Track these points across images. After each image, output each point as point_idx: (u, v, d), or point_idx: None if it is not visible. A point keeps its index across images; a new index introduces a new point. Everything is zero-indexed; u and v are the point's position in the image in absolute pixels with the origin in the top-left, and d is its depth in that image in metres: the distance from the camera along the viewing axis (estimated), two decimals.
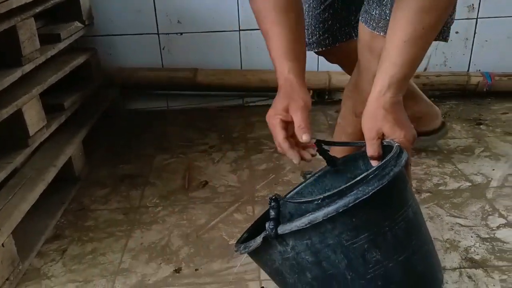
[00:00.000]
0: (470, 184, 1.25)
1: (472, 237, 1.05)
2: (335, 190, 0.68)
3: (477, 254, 1.00)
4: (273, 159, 1.43)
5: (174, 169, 1.40)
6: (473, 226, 1.08)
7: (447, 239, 1.05)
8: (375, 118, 0.78)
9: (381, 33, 0.93)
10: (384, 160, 0.71)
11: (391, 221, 0.69)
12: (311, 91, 1.79)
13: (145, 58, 1.78)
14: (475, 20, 1.76)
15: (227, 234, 1.10)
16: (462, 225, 1.09)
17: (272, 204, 0.70)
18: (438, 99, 1.82)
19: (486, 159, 1.38)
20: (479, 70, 1.80)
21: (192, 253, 1.04)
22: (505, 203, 1.16)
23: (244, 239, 0.79)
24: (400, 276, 0.71)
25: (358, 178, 0.68)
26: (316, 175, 0.92)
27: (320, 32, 1.15)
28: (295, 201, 0.80)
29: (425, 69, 1.83)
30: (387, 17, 0.89)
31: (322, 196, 0.68)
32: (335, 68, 1.79)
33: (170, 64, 1.80)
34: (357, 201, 0.65)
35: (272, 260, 0.73)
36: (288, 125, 0.84)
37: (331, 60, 1.29)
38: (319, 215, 0.66)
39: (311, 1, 1.14)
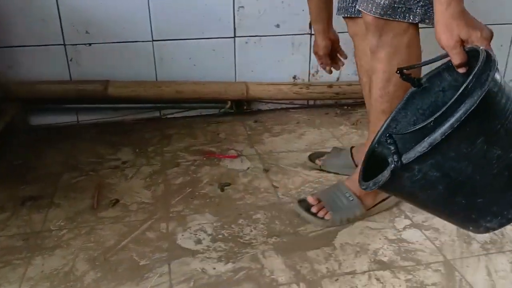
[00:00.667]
0: None
1: (380, 239, 1.09)
2: (444, 108, 0.71)
3: (385, 256, 1.03)
4: (189, 172, 1.40)
5: (83, 188, 1.31)
6: (381, 229, 1.13)
7: (357, 242, 1.08)
8: (449, 28, 0.80)
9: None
10: (478, 66, 0.73)
11: (500, 119, 0.74)
12: (230, 102, 1.79)
13: (51, 70, 1.67)
14: None
15: (137, 255, 1.04)
16: (371, 228, 1.13)
17: (389, 141, 0.74)
18: (351, 107, 1.89)
19: None
20: None
21: (98, 278, 0.97)
22: (410, 205, 1.22)
23: (363, 172, 0.84)
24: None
25: (460, 90, 0.71)
26: (404, 98, 0.91)
27: (349, 0, 1.21)
28: (409, 131, 0.77)
29: (338, 78, 1.89)
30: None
31: (433, 118, 0.71)
32: (253, 78, 1.82)
33: (80, 76, 1.70)
34: (468, 113, 0.69)
35: (402, 186, 0.78)
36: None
37: (352, 30, 1.28)
38: (437, 136, 0.70)
39: None
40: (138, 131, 1.70)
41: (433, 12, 0.91)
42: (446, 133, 0.70)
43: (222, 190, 1.30)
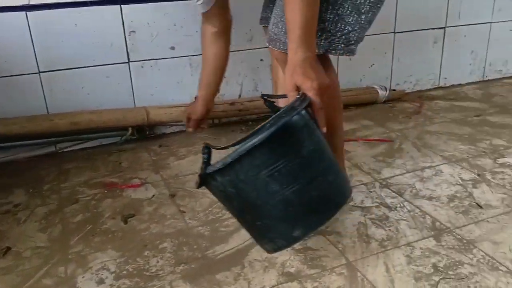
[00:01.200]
0: None
1: (287, 251, 1.10)
2: (244, 136, 0.83)
3: (292, 267, 1.05)
4: (90, 207, 1.32)
5: None
6: None
7: (265, 257, 1.08)
8: (290, 74, 0.94)
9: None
10: (283, 108, 0.87)
11: (285, 159, 0.84)
12: (130, 129, 1.73)
13: None
14: None
15: None
16: None
17: (205, 150, 0.87)
18: (255, 122, 1.93)
19: None
20: None
21: None
22: None
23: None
24: (297, 201, 0.88)
25: (261, 125, 0.83)
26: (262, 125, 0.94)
27: (267, 10, 1.32)
28: (218, 147, 0.90)
29: (240, 95, 1.92)
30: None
31: (232, 143, 0.84)
32: (153, 102, 1.79)
33: None
34: (253, 145, 0.80)
35: (214, 192, 0.93)
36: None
37: None
38: (227, 159, 0.82)
39: None
40: (32, 169, 1.58)
41: (338, 43, 1.02)
42: (235, 158, 0.82)
43: (126, 222, 1.25)
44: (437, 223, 1.19)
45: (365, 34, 1.09)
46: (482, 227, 1.17)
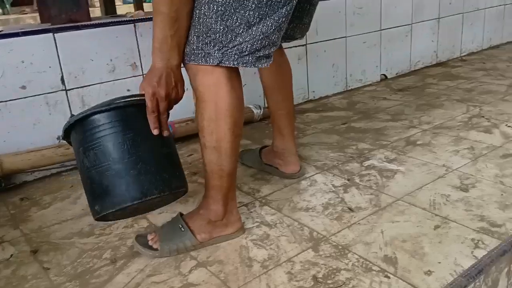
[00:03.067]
0: None
1: None
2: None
3: None
4: None
5: None
6: (167, 280, 1.07)
7: None
8: (144, 78, 1.08)
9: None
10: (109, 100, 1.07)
11: (91, 143, 1.05)
12: None
13: None
14: (141, 76, 1.85)
15: None
16: (157, 282, 1.07)
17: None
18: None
19: (177, 204, 1.43)
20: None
21: None
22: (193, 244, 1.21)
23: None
24: (95, 181, 1.06)
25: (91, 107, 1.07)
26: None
27: None
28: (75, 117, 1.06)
29: None
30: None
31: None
32: (8, 149, 1.59)
33: None
34: (92, 111, 1.05)
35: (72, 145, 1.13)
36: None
37: None
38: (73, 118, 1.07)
39: None
40: None
41: (231, 54, 1.05)
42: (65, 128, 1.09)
43: None
44: (314, 233, 1.22)
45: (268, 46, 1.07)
46: (354, 230, 1.22)
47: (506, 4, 3.49)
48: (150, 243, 1.16)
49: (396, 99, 2.40)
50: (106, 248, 1.21)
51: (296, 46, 2.32)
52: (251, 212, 1.35)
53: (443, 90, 2.48)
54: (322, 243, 1.17)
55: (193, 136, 1.89)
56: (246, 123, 2.10)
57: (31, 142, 1.64)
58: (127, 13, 2.00)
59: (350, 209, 1.33)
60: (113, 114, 1.04)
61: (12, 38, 1.57)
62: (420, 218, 1.26)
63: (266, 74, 1.50)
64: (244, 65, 1.06)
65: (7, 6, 9.64)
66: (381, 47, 2.72)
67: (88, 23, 1.73)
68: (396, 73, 2.88)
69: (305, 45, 2.36)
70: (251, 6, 1.01)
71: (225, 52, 1.04)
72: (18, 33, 1.59)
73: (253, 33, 1.03)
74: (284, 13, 1.06)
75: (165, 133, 1.08)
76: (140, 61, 1.84)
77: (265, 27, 1.04)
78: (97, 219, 1.10)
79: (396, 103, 2.33)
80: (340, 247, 1.15)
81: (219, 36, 1.03)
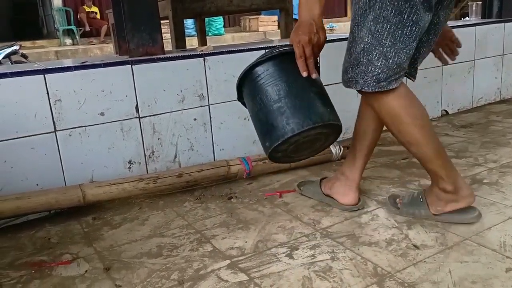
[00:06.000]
0: (229, 261, 1.30)
1: None
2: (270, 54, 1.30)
3: None
4: None
5: None
6: None
7: None
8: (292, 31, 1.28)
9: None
10: (275, 47, 1.32)
11: (256, 90, 1.30)
12: None
13: None
14: (207, 106, 1.95)
15: None
16: None
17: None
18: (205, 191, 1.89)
19: (239, 231, 1.47)
20: (238, 157, 1.89)
21: None
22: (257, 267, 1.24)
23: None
24: (262, 121, 1.30)
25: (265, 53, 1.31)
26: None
27: None
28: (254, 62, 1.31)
29: (176, 156, 1.90)
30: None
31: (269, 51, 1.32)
32: (86, 173, 1.70)
33: None
34: (252, 64, 1.30)
35: (245, 89, 1.36)
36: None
37: None
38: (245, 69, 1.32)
39: None
40: None
41: (370, 82, 1.30)
42: (246, 70, 1.31)
43: None
44: (379, 269, 1.21)
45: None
46: (420, 268, 1.20)
47: None
48: (397, 202, 1.51)
49: (459, 135, 2.35)
50: (174, 270, 1.26)
51: None
52: (312, 243, 1.37)
53: (509, 128, 2.40)
54: (387, 279, 1.16)
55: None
56: (324, 162, 2.09)
57: (104, 165, 1.76)
58: (197, 47, 2.12)
59: (416, 246, 1.31)
60: (269, 64, 1.28)
61: (94, 69, 1.71)
62: (490, 259, 1.22)
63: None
64: (380, 89, 1.28)
65: (77, 37, 10.44)
66: (442, 82, 2.69)
67: (163, 56, 1.86)
68: (458, 109, 2.82)
69: None
70: (388, 43, 1.24)
71: (366, 80, 1.29)
72: (100, 64, 1.73)
73: (389, 64, 1.26)
74: (414, 46, 1.28)
75: (314, 76, 1.27)
76: (207, 92, 1.94)
77: (398, 58, 1.27)
78: (269, 157, 1.33)
79: (459, 139, 2.28)
80: (406, 284, 1.13)
81: (363, 68, 1.28)
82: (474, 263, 1.21)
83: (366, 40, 1.26)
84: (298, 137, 1.26)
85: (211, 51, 1.96)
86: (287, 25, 2.54)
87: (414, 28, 1.24)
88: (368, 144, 1.54)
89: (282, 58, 1.28)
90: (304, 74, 1.25)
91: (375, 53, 1.26)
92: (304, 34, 1.23)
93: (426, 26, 1.29)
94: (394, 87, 1.29)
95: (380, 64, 1.26)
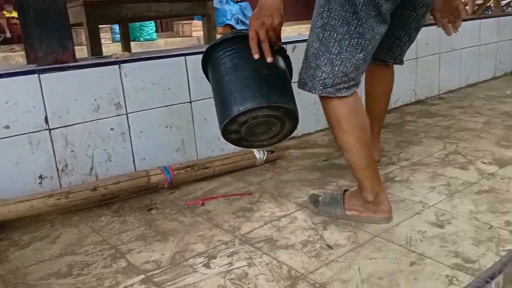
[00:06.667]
0: (143, 276, 1.26)
1: None
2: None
3: None
4: None
5: None
6: None
7: None
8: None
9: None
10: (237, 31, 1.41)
11: (234, 52, 1.35)
12: None
13: None
14: (125, 115, 1.88)
15: None
16: None
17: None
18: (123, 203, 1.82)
19: (157, 243, 1.43)
20: (159, 167, 1.84)
21: None
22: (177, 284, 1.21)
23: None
24: (216, 98, 1.38)
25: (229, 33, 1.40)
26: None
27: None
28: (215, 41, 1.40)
29: (92, 169, 1.82)
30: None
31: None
32: None
33: None
34: (212, 43, 1.41)
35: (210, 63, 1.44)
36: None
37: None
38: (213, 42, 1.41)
39: None
40: None
41: (317, 86, 1.36)
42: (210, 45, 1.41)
43: None
44: (293, 271, 1.23)
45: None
46: (332, 268, 1.23)
47: (481, 45, 3.65)
48: (319, 200, 1.55)
49: None
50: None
51: None
52: (230, 250, 1.36)
53: (422, 128, 2.55)
54: (300, 281, 1.18)
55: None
56: (248, 167, 2.08)
57: (12, 181, 1.64)
58: (112, 54, 2.05)
59: (329, 246, 1.34)
60: (226, 44, 1.34)
61: None
62: (397, 254, 1.28)
63: (368, 80, 1.88)
64: (327, 94, 1.34)
65: None
66: (361, 86, 2.80)
67: (73, 64, 1.77)
68: None
69: None
70: (335, 51, 1.30)
71: (314, 84, 1.34)
72: (3, 74, 1.62)
73: (335, 71, 1.31)
74: (362, 57, 1.32)
75: (269, 59, 1.30)
76: (125, 101, 1.88)
77: (344, 68, 1.31)
78: (225, 138, 1.40)
79: None
80: (317, 285, 1.16)
81: (312, 71, 1.34)
82: (382, 259, 1.26)
83: (315, 45, 1.33)
84: (244, 116, 1.29)
85: (127, 58, 1.90)
86: (209, 31, 2.54)
87: (360, 40, 1.28)
88: (377, 117, 1.88)
89: (239, 40, 1.33)
90: (256, 56, 1.29)
91: (323, 59, 1.31)
92: (258, 18, 1.28)
93: (379, 37, 1.34)
94: (343, 95, 1.33)
95: (327, 70, 1.32)
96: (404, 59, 1.82)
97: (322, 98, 1.39)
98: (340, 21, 1.27)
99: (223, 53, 1.34)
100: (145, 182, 1.78)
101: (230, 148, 2.20)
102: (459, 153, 2.07)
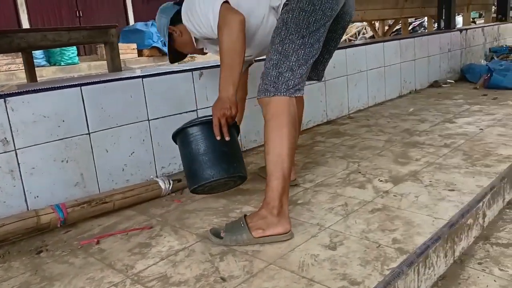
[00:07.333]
0: None
1: None
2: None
3: None
4: None
5: None
6: None
7: None
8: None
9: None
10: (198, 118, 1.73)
11: (198, 138, 1.69)
12: None
13: None
14: (14, 151, 1.76)
15: None
16: None
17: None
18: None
19: None
20: (51, 205, 1.74)
21: None
22: None
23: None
24: (186, 168, 1.74)
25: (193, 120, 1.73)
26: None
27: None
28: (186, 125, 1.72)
29: None
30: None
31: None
32: None
33: None
34: (183, 126, 1.72)
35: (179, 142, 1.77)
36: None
37: None
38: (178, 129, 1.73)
39: None
40: None
41: (281, 89, 1.57)
42: (180, 129, 1.71)
43: None
44: None
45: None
46: None
47: (385, 66, 3.89)
48: (221, 233, 1.55)
49: None
50: None
51: (186, 112, 2.36)
52: None
53: (329, 148, 2.63)
54: None
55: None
56: (154, 198, 2.02)
57: None
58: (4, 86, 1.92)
59: (223, 279, 1.32)
60: (194, 128, 1.67)
61: None
62: (288, 282, 1.28)
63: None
64: (290, 94, 1.56)
65: None
66: None
67: None
68: None
69: (196, 110, 2.41)
70: (293, 59, 1.56)
71: (278, 87, 1.56)
72: None
73: (296, 74, 1.57)
74: (310, 63, 1.62)
75: (227, 139, 1.64)
76: (12, 136, 1.75)
77: (301, 70, 1.58)
78: (191, 191, 1.75)
79: None
80: None
81: (274, 79, 1.57)
82: None
83: (274, 57, 1.59)
84: (210, 184, 1.68)
85: (13, 91, 1.79)
86: (113, 58, 2.47)
87: (310, 49, 1.59)
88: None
89: (204, 125, 1.66)
90: (218, 138, 1.62)
91: (284, 66, 1.57)
92: (220, 109, 1.60)
93: (319, 51, 1.63)
94: (299, 95, 1.60)
95: (288, 75, 1.57)
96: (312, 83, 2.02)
97: (272, 99, 1.56)
98: (297, 35, 1.57)
99: (192, 134, 1.67)
100: (34, 222, 1.66)
101: (136, 179, 2.14)
102: (360, 172, 2.16)
